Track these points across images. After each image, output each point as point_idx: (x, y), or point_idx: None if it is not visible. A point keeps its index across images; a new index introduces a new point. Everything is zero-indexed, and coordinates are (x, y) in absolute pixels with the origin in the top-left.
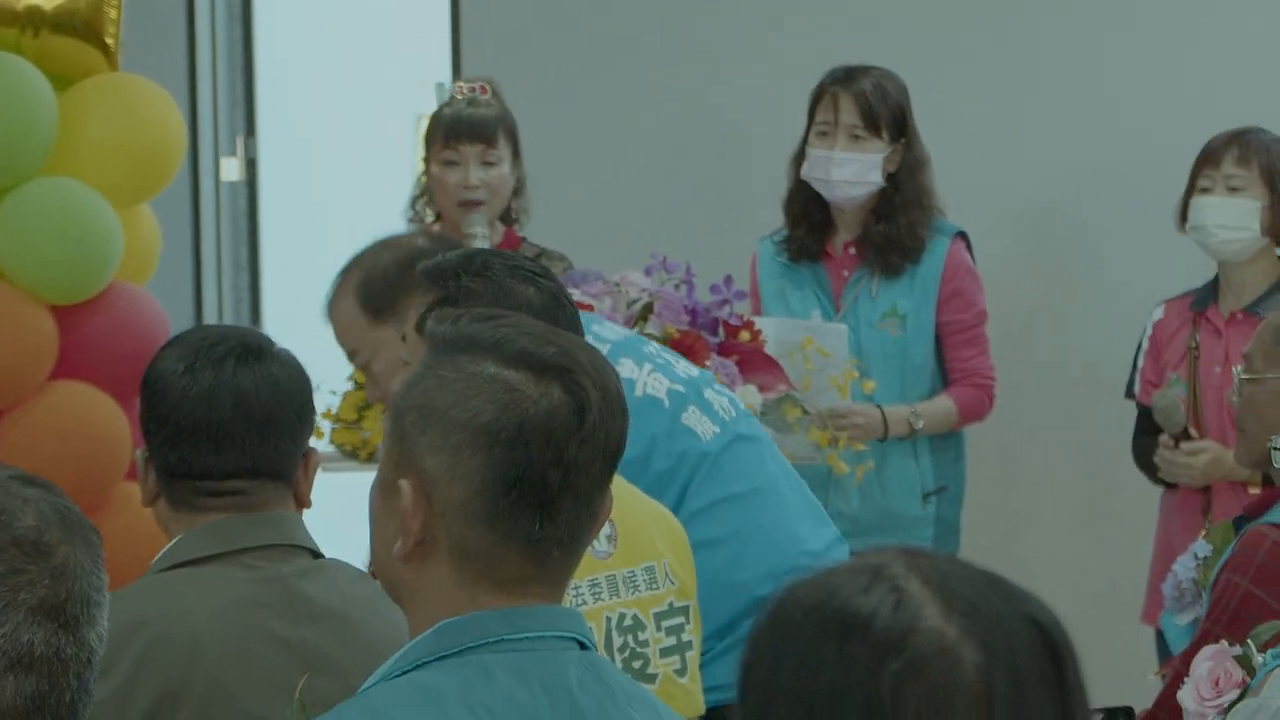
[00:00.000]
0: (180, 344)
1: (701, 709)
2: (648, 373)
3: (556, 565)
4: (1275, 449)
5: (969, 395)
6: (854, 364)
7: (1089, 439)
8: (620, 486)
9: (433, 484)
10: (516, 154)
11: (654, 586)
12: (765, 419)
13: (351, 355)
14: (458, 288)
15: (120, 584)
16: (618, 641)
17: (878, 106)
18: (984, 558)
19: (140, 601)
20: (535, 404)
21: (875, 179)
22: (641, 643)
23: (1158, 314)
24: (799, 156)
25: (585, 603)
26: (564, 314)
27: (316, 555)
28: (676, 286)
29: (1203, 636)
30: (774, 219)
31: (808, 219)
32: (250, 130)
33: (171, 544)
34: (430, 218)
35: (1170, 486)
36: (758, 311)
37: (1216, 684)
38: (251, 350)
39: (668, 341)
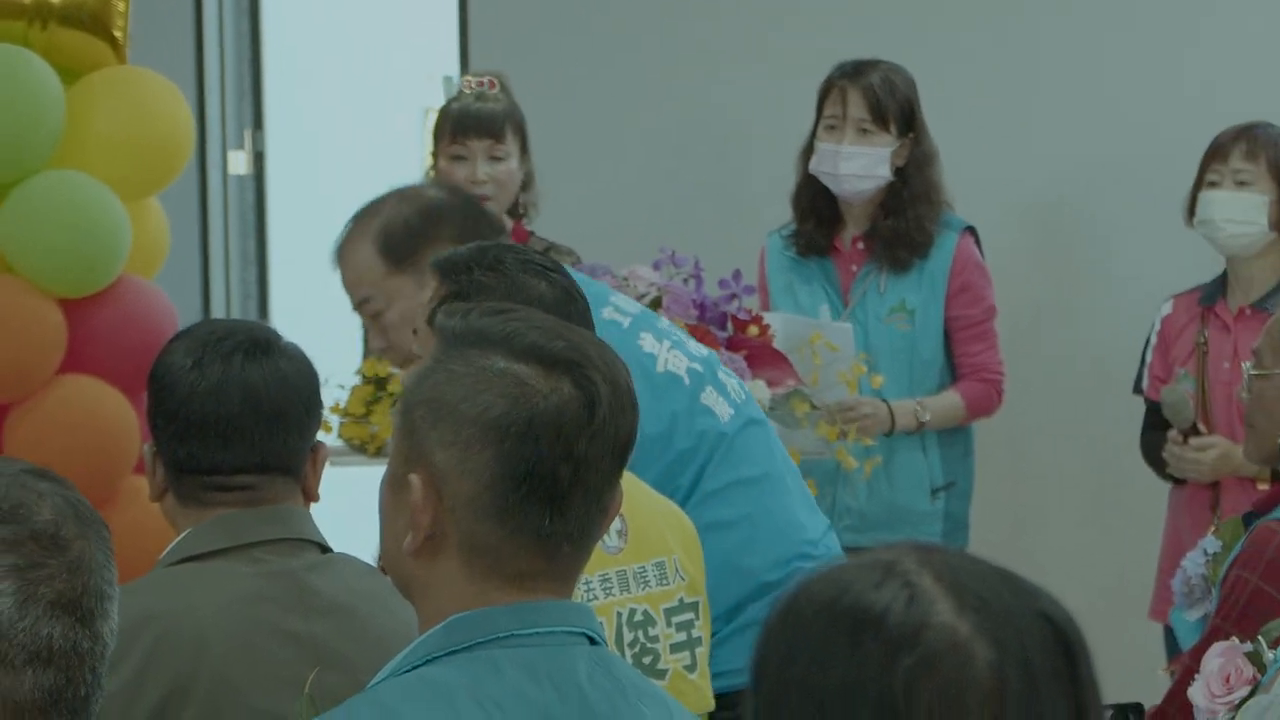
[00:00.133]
0: (187, 338)
1: (711, 705)
2: (667, 349)
3: (567, 560)
4: None
5: (977, 390)
6: (862, 359)
7: (1097, 433)
8: (630, 482)
9: (443, 479)
10: (524, 148)
11: (664, 582)
12: (774, 414)
13: (361, 303)
14: (470, 282)
15: (128, 578)
16: (628, 637)
17: (886, 100)
18: (992, 552)
19: (148, 596)
20: (545, 399)
21: (883, 173)
22: (652, 638)
23: (1166, 309)
24: (807, 150)
25: (596, 598)
26: (576, 309)
27: (324, 550)
28: (685, 281)
29: (1212, 633)
30: (777, 216)
31: (816, 213)
32: (258, 124)
33: (179, 538)
34: None
35: (1179, 482)
36: (766, 306)
37: (1227, 680)
38: (259, 344)
39: None
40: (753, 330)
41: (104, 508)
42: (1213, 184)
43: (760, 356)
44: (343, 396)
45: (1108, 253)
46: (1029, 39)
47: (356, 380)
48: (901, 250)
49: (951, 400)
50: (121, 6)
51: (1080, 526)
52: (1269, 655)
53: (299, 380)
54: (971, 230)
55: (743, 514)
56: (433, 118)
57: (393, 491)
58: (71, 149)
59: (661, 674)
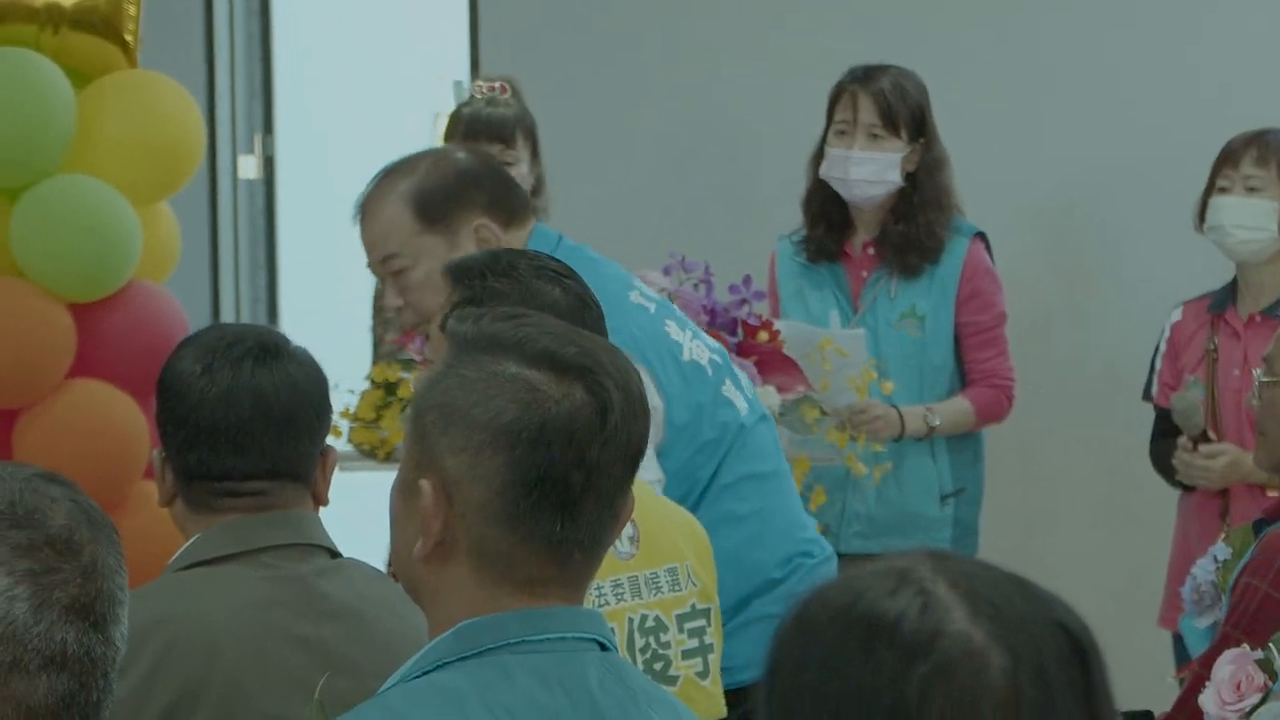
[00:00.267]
0: (197, 344)
1: (723, 711)
2: (689, 338)
3: (578, 566)
4: None
5: (987, 396)
6: (872, 364)
7: (1107, 437)
8: (642, 489)
9: (454, 484)
10: (535, 153)
11: (676, 588)
12: (784, 420)
13: (385, 259)
14: (483, 287)
15: (138, 583)
16: (639, 643)
17: (896, 106)
18: (1002, 557)
19: (158, 600)
20: (557, 404)
21: (894, 178)
22: (663, 644)
23: (1175, 316)
24: (818, 156)
25: (607, 603)
26: (589, 314)
27: (334, 554)
28: (695, 286)
29: (1222, 640)
30: (786, 216)
31: (826, 219)
32: (268, 128)
33: (189, 543)
34: None
35: (1188, 489)
36: (776, 312)
37: (1238, 688)
38: (269, 350)
39: None
40: (763, 336)
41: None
42: (1223, 190)
43: (770, 362)
44: (353, 401)
45: (1118, 256)
46: (1035, 37)
47: (366, 385)
48: (912, 256)
49: (961, 406)
50: (133, 10)
51: (1090, 530)
52: None
53: (309, 385)
54: (982, 236)
55: (754, 509)
56: (443, 122)
57: (403, 497)
58: (82, 153)
59: (673, 680)
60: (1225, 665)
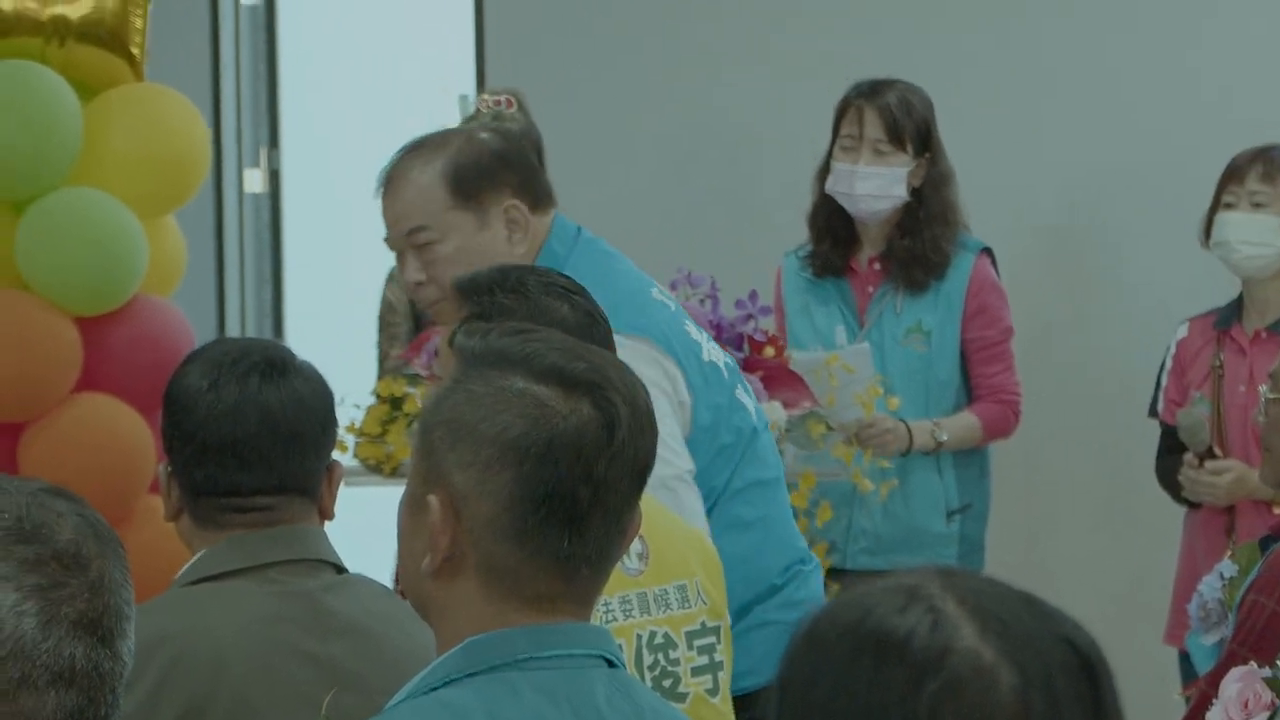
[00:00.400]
0: (203, 359)
1: None
2: (706, 339)
3: (585, 582)
4: None
5: (993, 411)
6: (878, 380)
7: (1112, 448)
8: (652, 505)
9: (462, 499)
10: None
11: (686, 605)
12: (790, 435)
13: (413, 231)
14: (492, 303)
15: (143, 598)
16: (648, 659)
17: (902, 120)
18: (1006, 568)
19: (165, 616)
20: (565, 420)
21: (899, 193)
22: (672, 661)
23: (1181, 332)
24: (823, 170)
25: (615, 619)
26: (598, 331)
27: (340, 570)
28: (701, 301)
29: (1229, 658)
30: (787, 219)
31: (832, 234)
32: (274, 142)
33: (195, 559)
34: None
35: (1194, 506)
36: (782, 328)
37: (1246, 706)
38: (275, 365)
39: None
40: (769, 351)
41: (119, 527)
42: (1229, 206)
43: (776, 378)
44: (358, 416)
45: (1120, 266)
46: (1036, 43)
47: (372, 400)
48: (918, 271)
49: (968, 421)
50: (139, 23)
51: (1093, 539)
52: None
53: (315, 401)
54: (988, 251)
55: (760, 515)
56: None
57: (411, 512)
58: (88, 166)
59: (682, 697)
60: (1232, 683)
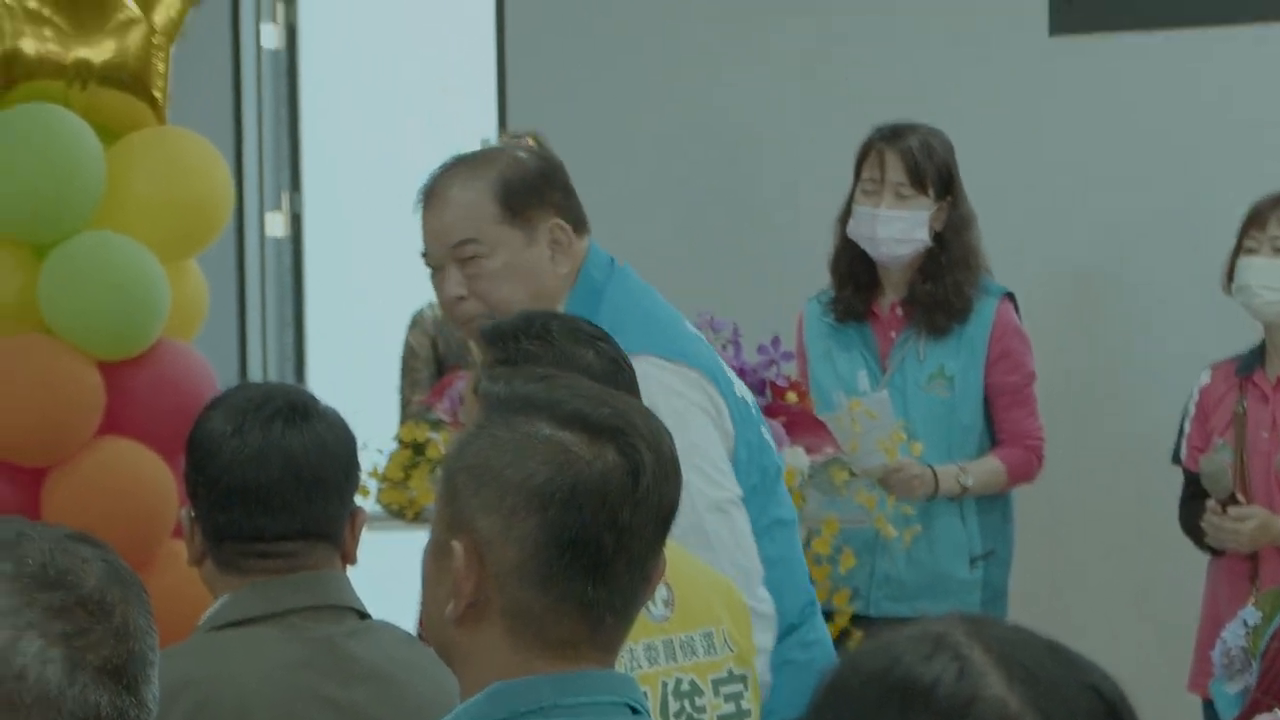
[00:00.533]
0: (226, 404)
1: None
2: (734, 375)
3: (610, 629)
4: None
5: (1018, 456)
6: (901, 425)
7: (1134, 496)
8: (678, 552)
9: (486, 545)
10: None
11: (712, 652)
12: (813, 481)
13: (460, 244)
14: (517, 350)
15: (165, 643)
16: (674, 706)
17: (924, 164)
18: (1030, 617)
19: (189, 661)
20: (589, 466)
21: (921, 237)
22: (699, 708)
23: (1204, 379)
24: (845, 215)
25: (640, 666)
26: (623, 377)
27: (363, 616)
28: (724, 346)
29: (1253, 705)
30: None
31: (854, 279)
32: (295, 185)
33: (218, 604)
34: None
35: (1217, 553)
36: (804, 373)
37: None
38: (298, 410)
39: None
40: (791, 397)
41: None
42: (1250, 251)
43: (799, 423)
44: (381, 461)
45: (1143, 313)
46: (1058, 92)
47: (394, 445)
48: (940, 316)
49: (993, 466)
50: (161, 67)
51: (1117, 588)
52: None
53: (338, 446)
54: (1010, 296)
55: (780, 555)
56: None
57: (435, 558)
58: (111, 209)
59: None
60: None
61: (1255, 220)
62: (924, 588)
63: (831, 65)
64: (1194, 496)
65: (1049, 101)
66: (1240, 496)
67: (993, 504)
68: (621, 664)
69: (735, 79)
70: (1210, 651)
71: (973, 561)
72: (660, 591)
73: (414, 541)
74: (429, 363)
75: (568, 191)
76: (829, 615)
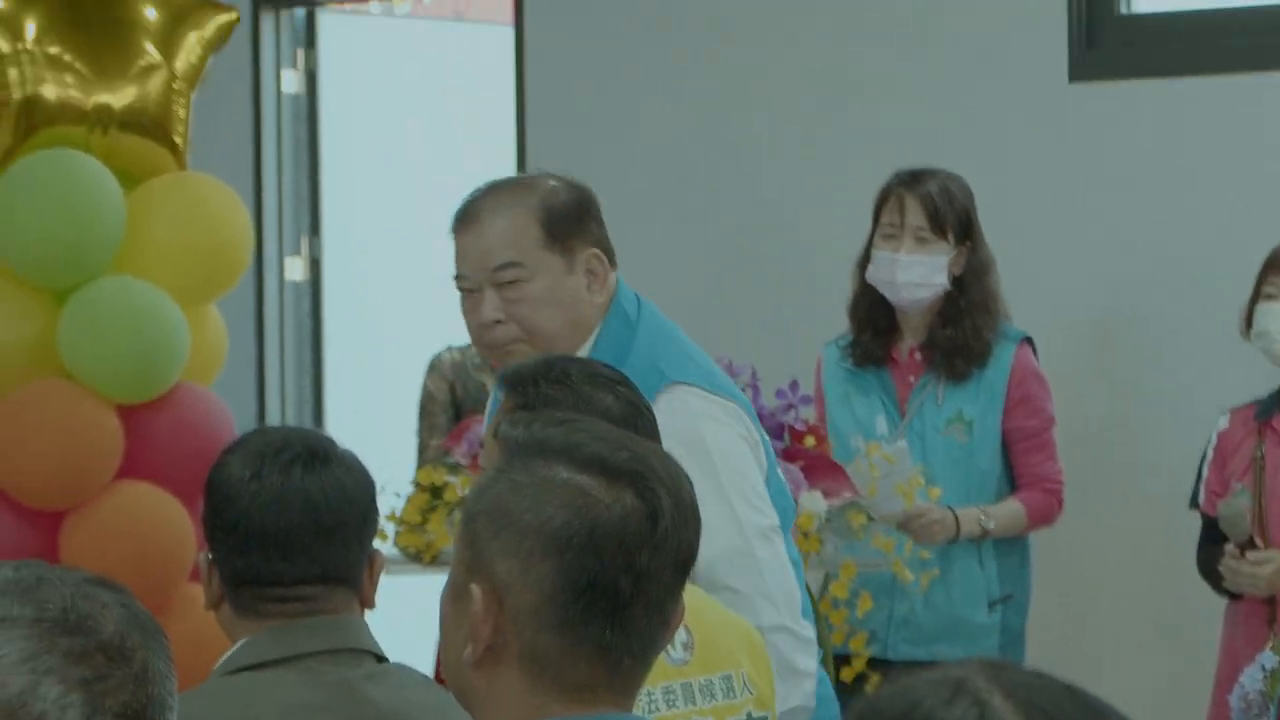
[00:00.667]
0: (245, 448)
1: None
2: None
3: (627, 673)
4: None
5: (1039, 499)
6: (920, 470)
7: (1153, 542)
8: (697, 596)
9: (504, 589)
10: None
11: (731, 695)
12: (831, 525)
13: (502, 267)
14: (537, 394)
15: (183, 686)
16: None
17: (944, 208)
18: (1047, 659)
19: (206, 705)
20: (608, 510)
21: (941, 281)
22: None
23: (1222, 424)
24: (864, 260)
25: (658, 709)
26: (643, 421)
27: (381, 659)
28: (743, 390)
29: None
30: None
31: (873, 324)
32: (315, 230)
33: (236, 648)
34: None
35: (1235, 597)
36: (822, 417)
37: None
38: (317, 455)
39: None
40: (809, 441)
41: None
42: (1269, 296)
43: (817, 467)
44: (398, 505)
45: (1162, 358)
46: (1076, 137)
47: (412, 489)
48: (959, 360)
49: (1014, 509)
50: (182, 112)
51: (1134, 633)
52: None
53: (356, 490)
54: (1029, 340)
55: None
56: None
57: (453, 601)
58: (130, 254)
59: None
60: None
61: (1274, 266)
62: (942, 631)
63: (850, 110)
64: (1212, 541)
65: (1068, 147)
66: (1258, 540)
67: (1011, 548)
68: (640, 707)
69: (754, 123)
70: (1228, 695)
71: (991, 605)
72: (679, 635)
73: (432, 585)
74: (446, 407)
75: (600, 223)
76: (846, 659)
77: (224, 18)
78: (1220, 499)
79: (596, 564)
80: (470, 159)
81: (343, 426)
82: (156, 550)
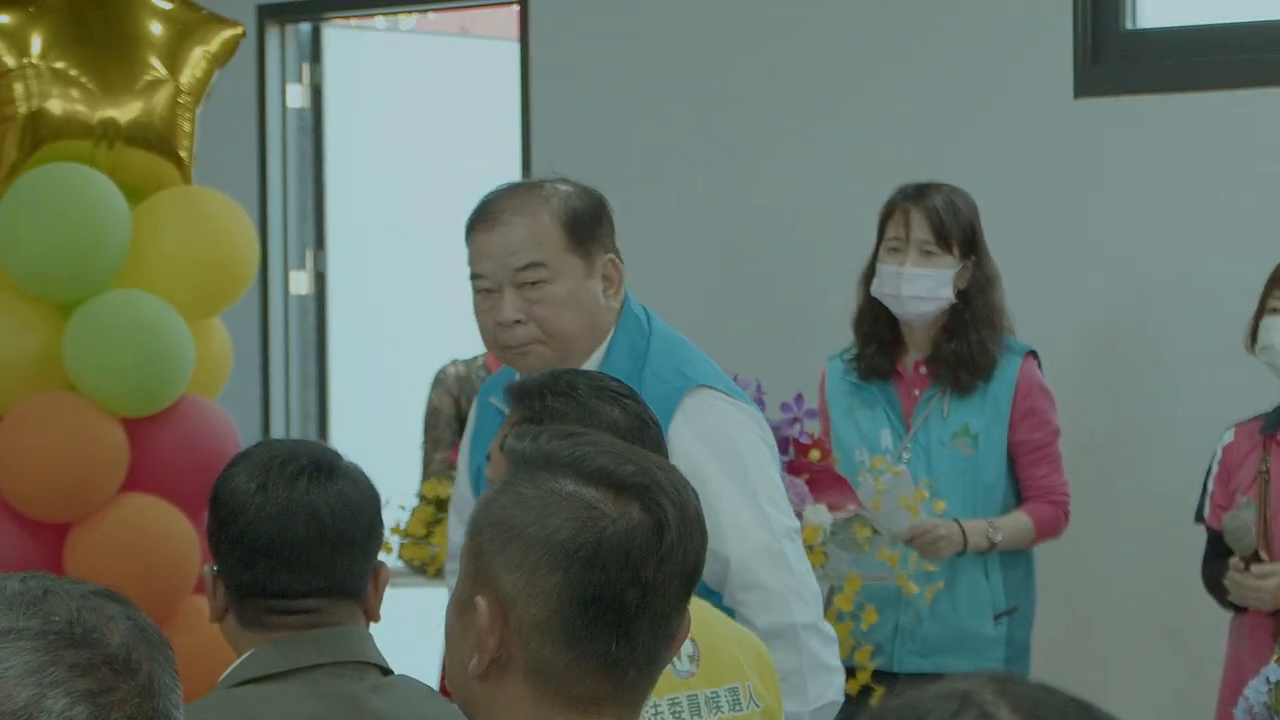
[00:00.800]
0: (250, 460)
1: None
2: None
3: (632, 686)
4: None
5: (1046, 512)
6: (925, 483)
7: (1158, 555)
8: (704, 608)
9: (510, 602)
10: None
11: (737, 708)
12: (835, 539)
13: (528, 267)
14: (543, 407)
15: (187, 699)
16: None
17: (949, 222)
18: (1052, 672)
19: (211, 716)
20: (614, 523)
21: (946, 294)
22: None
23: (1227, 438)
24: (868, 274)
25: None
26: (649, 434)
27: (386, 671)
28: None
29: None
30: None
31: (878, 337)
32: (319, 244)
33: (240, 660)
34: None
35: (1240, 610)
36: (827, 431)
37: None
38: (323, 467)
39: None
40: (814, 454)
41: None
42: (1274, 310)
43: (822, 481)
44: (403, 517)
45: (1167, 372)
46: (1082, 151)
47: (417, 501)
48: (964, 373)
49: (1021, 521)
50: (187, 127)
51: (1139, 646)
52: None
53: (362, 503)
54: (1034, 354)
55: None
56: None
57: (459, 614)
58: (136, 268)
59: None
60: None
61: (1278, 280)
62: (948, 644)
63: (855, 124)
64: (1217, 555)
65: (1073, 162)
66: (1263, 554)
67: (1016, 560)
68: (645, 719)
69: (758, 140)
70: (1233, 709)
71: (997, 618)
72: (686, 647)
73: (436, 597)
74: (451, 421)
75: (613, 230)
76: (851, 671)
77: (229, 32)
78: (1225, 513)
79: (602, 577)
80: (475, 174)
81: (347, 439)
82: (161, 562)
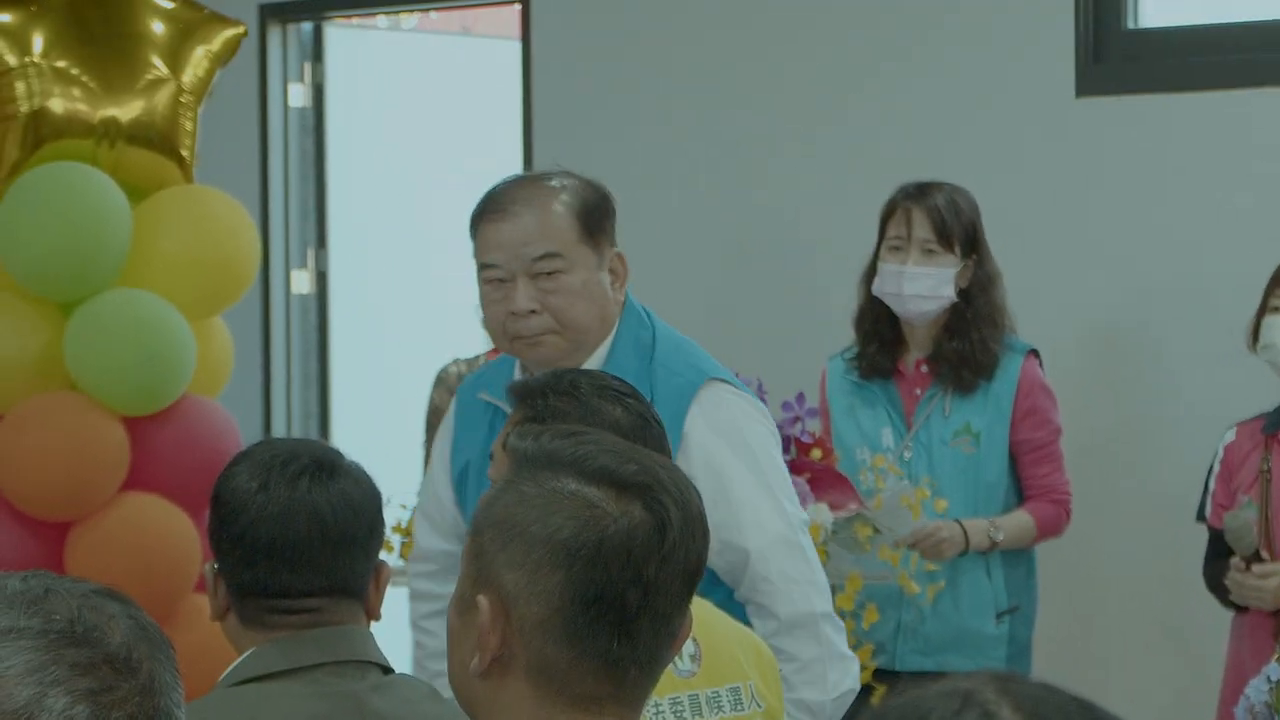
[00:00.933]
0: (252, 460)
1: None
2: None
3: (634, 684)
4: None
5: (1047, 511)
6: (926, 483)
7: (1158, 548)
8: (706, 608)
9: (511, 600)
10: None
11: (739, 707)
12: (836, 538)
13: (544, 257)
14: (545, 406)
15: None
16: None
17: (950, 221)
18: (1053, 671)
19: (212, 715)
20: (615, 522)
21: (948, 293)
22: None
23: (1229, 437)
24: (870, 273)
25: None
26: (651, 433)
27: (387, 670)
28: None
29: None
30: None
31: (879, 336)
32: (321, 243)
33: (242, 659)
34: None
35: (1241, 609)
36: (827, 430)
37: None
38: (324, 467)
39: None
40: (816, 453)
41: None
42: (1276, 309)
43: (823, 480)
44: (405, 517)
45: (1168, 371)
46: (1084, 150)
47: (418, 500)
48: (966, 372)
49: (1023, 520)
50: (189, 126)
51: (1141, 645)
52: None
53: (363, 502)
54: (1035, 353)
55: None
56: None
57: (461, 613)
58: (137, 267)
59: None
60: None
61: (1279, 279)
62: (949, 642)
63: (856, 124)
64: (1218, 554)
65: (1075, 162)
66: (1265, 554)
67: (1018, 559)
68: (647, 718)
69: (759, 141)
70: (1234, 708)
71: (998, 616)
72: (687, 646)
73: None
74: None
75: (615, 225)
76: None
77: (231, 31)
78: (1227, 512)
79: (604, 576)
80: (477, 173)
81: (348, 438)
82: (162, 561)
